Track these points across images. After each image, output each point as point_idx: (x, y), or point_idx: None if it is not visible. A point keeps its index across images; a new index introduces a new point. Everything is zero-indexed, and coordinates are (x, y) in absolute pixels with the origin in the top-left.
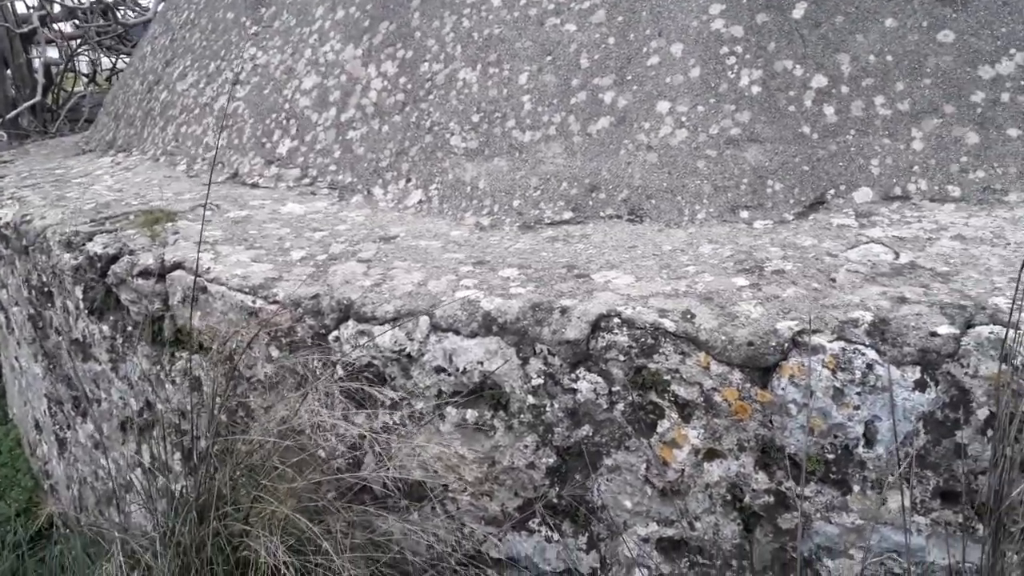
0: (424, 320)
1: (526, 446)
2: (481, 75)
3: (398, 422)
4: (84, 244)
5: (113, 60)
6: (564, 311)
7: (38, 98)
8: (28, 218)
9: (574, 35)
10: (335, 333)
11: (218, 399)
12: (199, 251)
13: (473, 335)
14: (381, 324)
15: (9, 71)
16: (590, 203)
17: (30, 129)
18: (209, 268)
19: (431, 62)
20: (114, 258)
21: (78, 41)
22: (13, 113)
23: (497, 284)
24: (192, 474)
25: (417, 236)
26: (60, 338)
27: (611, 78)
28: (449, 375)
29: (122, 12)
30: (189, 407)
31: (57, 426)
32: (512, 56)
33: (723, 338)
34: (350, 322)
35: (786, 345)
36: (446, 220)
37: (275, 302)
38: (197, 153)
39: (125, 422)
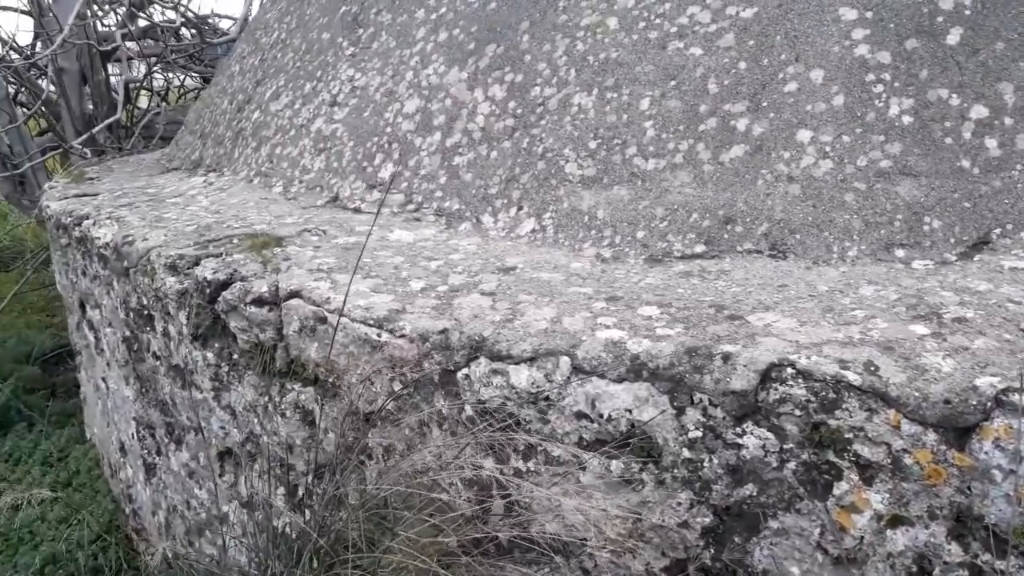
0: (565, 361)
1: (679, 503)
2: (598, 100)
3: (532, 469)
4: (190, 268)
5: (182, 78)
6: (727, 358)
7: (118, 115)
8: (130, 239)
9: (700, 59)
10: (464, 371)
11: (332, 434)
12: (315, 279)
13: (620, 380)
14: (516, 363)
15: (87, 87)
16: (725, 236)
17: (106, 145)
18: (329, 298)
19: (542, 86)
20: (224, 284)
21: (154, 59)
22: (96, 129)
23: (640, 324)
24: (297, 510)
25: (536, 267)
26: (158, 363)
27: (744, 104)
28: (592, 422)
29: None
30: (299, 441)
31: (145, 451)
32: (632, 80)
33: (916, 394)
34: (482, 360)
35: (988, 404)
36: (563, 251)
37: (402, 336)
38: (294, 175)
39: (224, 453)
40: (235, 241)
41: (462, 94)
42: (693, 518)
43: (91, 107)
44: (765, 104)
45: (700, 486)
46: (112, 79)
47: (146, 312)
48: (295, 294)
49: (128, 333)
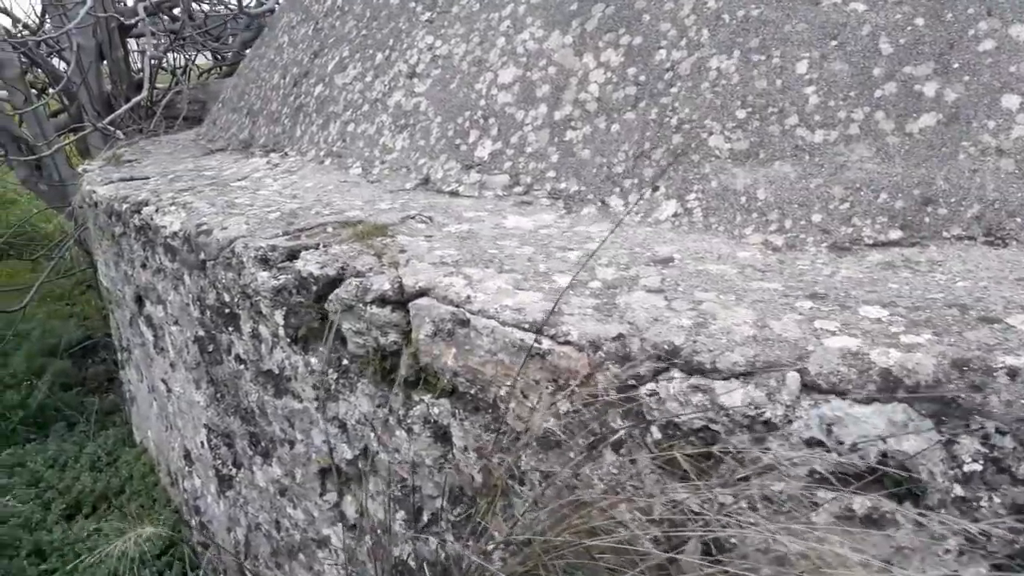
0: (793, 377)
1: (947, 551)
2: (741, 64)
3: (742, 505)
4: (285, 261)
5: (194, 55)
6: (1015, 374)
7: (144, 94)
8: (205, 228)
9: (865, 15)
10: (651, 386)
11: (473, 454)
12: (442, 274)
13: (868, 401)
14: (726, 379)
15: (105, 64)
16: (926, 220)
17: (131, 126)
18: (469, 297)
19: (668, 49)
20: (335, 281)
21: (173, 36)
22: (124, 108)
23: (872, 329)
24: (418, 540)
25: (697, 258)
26: (241, 367)
27: (928, 67)
28: (828, 451)
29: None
30: (428, 461)
31: (219, 461)
32: (782, 41)
33: None
34: (675, 373)
35: None
36: (720, 238)
37: (567, 342)
38: (373, 155)
39: (327, 470)
40: (330, 230)
41: (568, 61)
42: (964, 568)
43: (109, 86)
44: (956, 66)
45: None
46: (133, 56)
47: (228, 310)
48: (425, 292)
49: (202, 333)
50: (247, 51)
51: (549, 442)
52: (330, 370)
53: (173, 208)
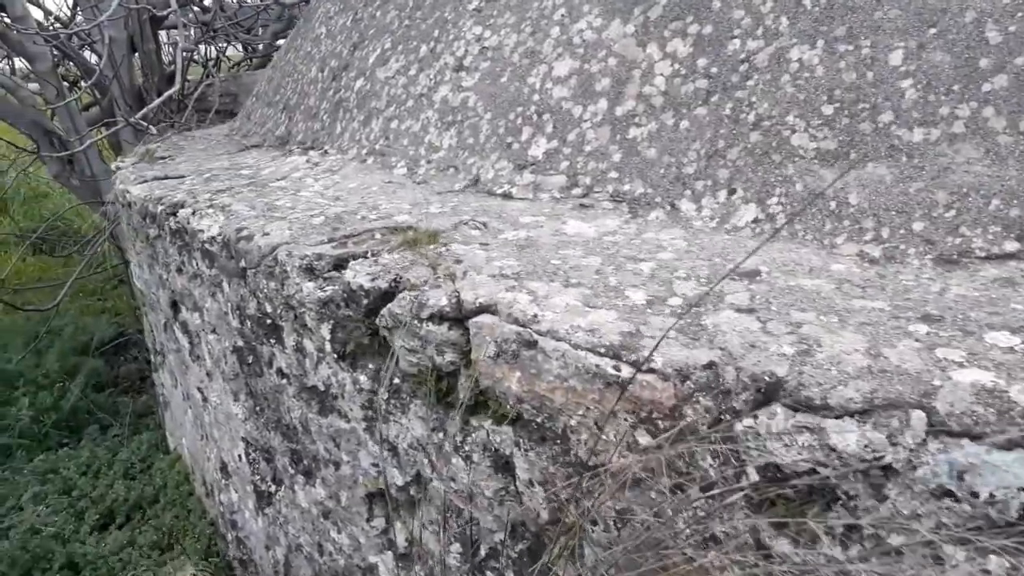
0: (918, 417)
1: None
2: (826, 54)
3: (855, 556)
4: (332, 271)
5: (222, 47)
6: None
7: (177, 86)
8: (245, 233)
9: (967, 1)
10: (749, 422)
11: (539, 487)
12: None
13: (1009, 446)
14: (838, 417)
15: (137, 56)
16: None
17: (164, 120)
18: (536, 315)
19: (743, 39)
20: (387, 294)
21: (204, 27)
22: (157, 102)
23: (1005, 360)
24: (478, 573)
25: (786, 271)
26: (284, 381)
27: None
28: (958, 501)
29: None
30: (488, 492)
31: (258, 477)
32: (872, 29)
33: None
34: (777, 408)
35: None
36: (809, 248)
37: (651, 371)
38: (418, 154)
39: (375, 494)
40: (378, 236)
41: (630, 52)
42: None
43: (141, 79)
44: None
45: None
46: (165, 48)
47: (270, 321)
48: (486, 308)
49: (241, 343)
50: (278, 42)
51: (627, 479)
52: (380, 389)
53: (211, 211)
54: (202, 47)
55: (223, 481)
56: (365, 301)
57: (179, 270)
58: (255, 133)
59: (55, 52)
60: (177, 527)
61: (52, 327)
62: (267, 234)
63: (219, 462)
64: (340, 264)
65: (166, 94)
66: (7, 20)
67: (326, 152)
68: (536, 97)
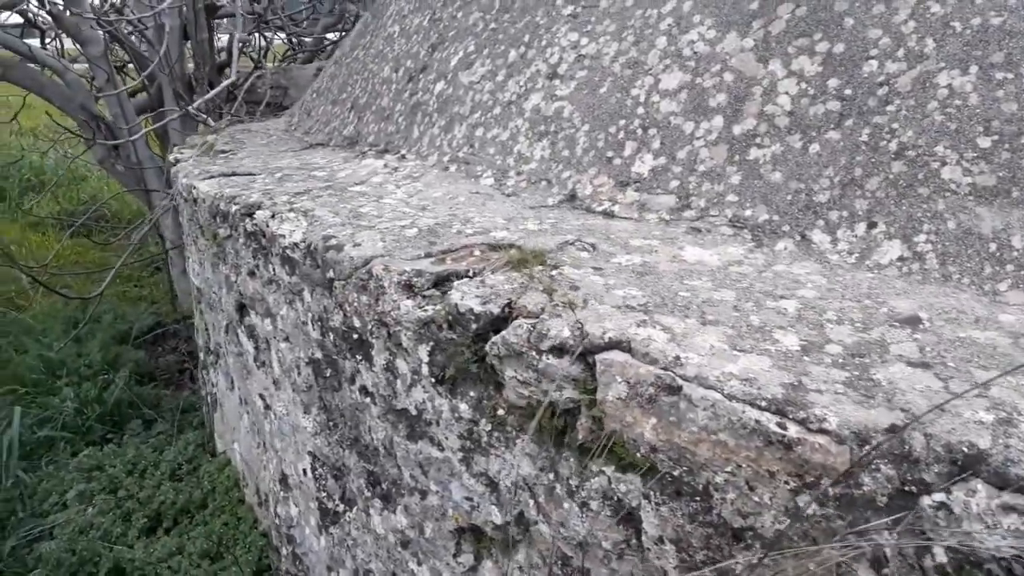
0: None
1: None
2: (981, 81)
3: None
4: (432, 290)
5: (271, 38)
6: None
7: (233, 77)
8: (335, 242)
9: None
10: (939, 497)
11: (670, 546)
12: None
13: None
14: None
15: (189, 45)
16: None
17: (213, 111)
18: (678, 357)
19: (881, 59)
20: (499, 320)
21: (257, 18)
22: (215, 91)
23: None
24: None
25: (950, 319)
26: (367, 400)
27: None
28: None
29: None
30: (606, 544)
31: (324, 494)
32: None
33: None
34: (978, 484)
35: None
36: (967, 293)
37: (821, 431)
38: (507, 164)
39: (464, 529)
40: (477, 253)
41: (749, 67)
42: None
43: (192, 68)
44: None
45: None
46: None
47: (357, 337)
48: (616, 344)
49: (320, 356)
50: (328, 35)
51: (782, 546)
52: (483, 420)
53: (292, 215)
54: (252, 38)
55: (282, 493)
56: (474, 326)
57: (251, 273)
58: (318, 131)
59: (106, 37)
60: (227, 536)
61: (90, 314)
62: (358, 244)
63: (279, 473)
64: (440, 282)
65: (223, 84)
66: (61, 3)
67: (403, 157)
68: (640, 110)
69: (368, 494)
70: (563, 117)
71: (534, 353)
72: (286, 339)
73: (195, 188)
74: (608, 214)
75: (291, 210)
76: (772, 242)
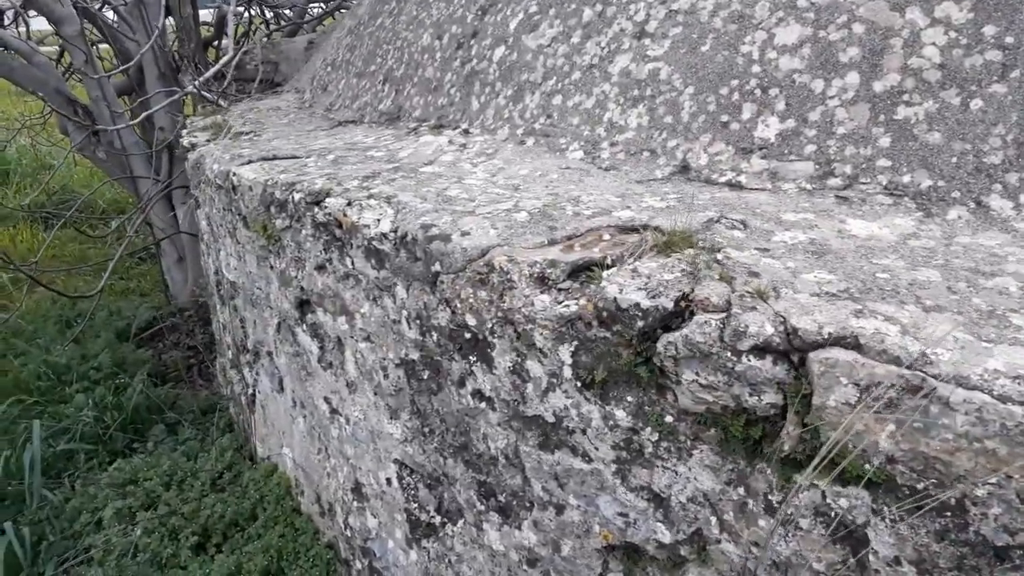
0: None
1: None
2: None
3: None
4: (567, 280)
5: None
6: None
7: (231, 55)
8: (438, 231)
9: None
10: None
11: (910, 568)
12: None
13: None
14: None
15: (171, 21)
16: None
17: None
18: (925, 354)
19: None
20: (671, 316)
21: None
22: (217, 67)
23: None
24: None
25: None
26: (483, 405)
27: None
28: None
29: None
30: (820, 566)
31: (415, 504)
32: None
33: None
34: None
35: None
36: None
37: None
38: (596, 135)
39: (614, 548)
40: (607, 238)
41: (883, 17)
42: None
43: (176, 46)
44: None
45: None
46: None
47: (470, 336)
48: (837, 341)
49: (416, 357)
50: (311, 7)
51: None
52: (647, 428)
53: (373, 202)
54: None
55: (355, 503)
56: (640, 323)
57: (320, 268)
58: (344, 107)
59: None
60: (286, 549)
61: (81, 311)
62: (467, 233)
63: (351, 482)
64: (575, 272)
65: (223, 60)
66: None
67: (467, 132)
68: (756, 68)
69: (480, 507)
70: (660, 80)
71: (728, 354)
72: (367, 339)
73: (234, 175)
74: (734, 185)
75: (370, 196)
76: (942, 211)
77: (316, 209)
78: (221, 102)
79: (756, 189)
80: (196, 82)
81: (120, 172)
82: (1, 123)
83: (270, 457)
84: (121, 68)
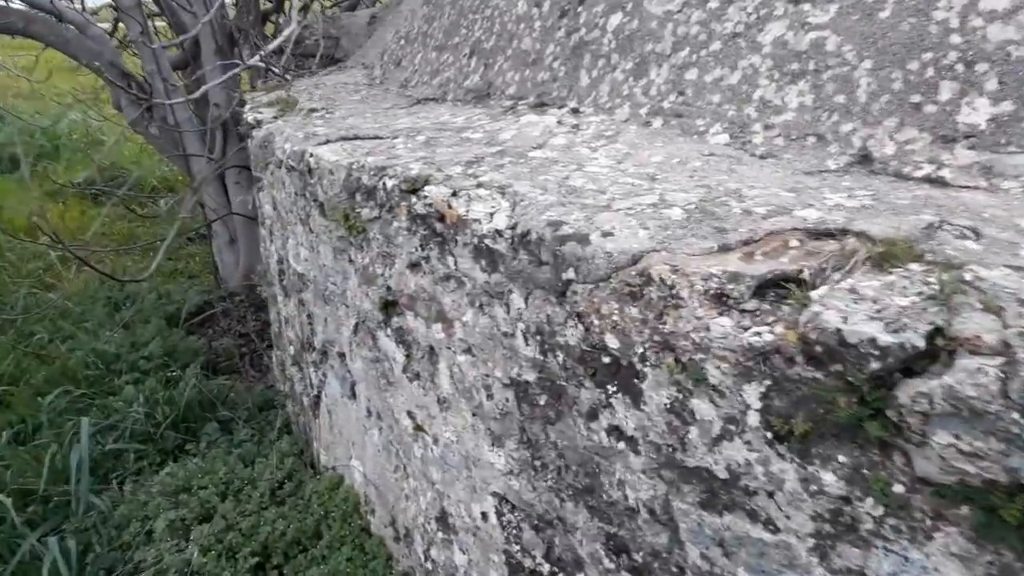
0: None
1: None
2: None
3: None
4: (754, 300)
5: None
6: None
7: (294, 26)
8: (571, 231)
9: None
10: None
11: None
12: None
13: None
14: None
15: None
16: None
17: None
18: None
19: None
20: (916, 356)
21: None
22: (278, 40)
23: None
24: None
25: None
26: (621, 445)
27: None
28: None
29: None
30: None
31: (517, 547)
32: None
33: None
34: None
35: None
36: None
37: None
38: (745, 116)
39: None
40: (795, 244)
41: None
42: None
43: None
44: None
45: None
46: None
47: (610, 360)
48: None
49: (531, 378)
50: None
51: None
52: (867, 499)
53: (483, 192)
54: None
55: (439, 534)
56: (875, 364)
57: (414, 266)
58: (423, 83)
59: None
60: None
61: (130, 292)
62: (609, 234)
63: (436, 510)
64: (763, 289)
65: (286, 33)
66: None
67: (577, 111)
68: (955, 39)
69: (609, 564)
70: (826, 51)
71: (1016, 416)
72: (467, 351)
73: (311, 156)
74: (936, 181)
75: (479, 185)
76: None
77: (413, 198)
78: (287, 76)
79: (968, 187)
80: (261, 54)
81: (173, 149)
82: (54, 98)
83: (335, 467)
84: (178, 41)
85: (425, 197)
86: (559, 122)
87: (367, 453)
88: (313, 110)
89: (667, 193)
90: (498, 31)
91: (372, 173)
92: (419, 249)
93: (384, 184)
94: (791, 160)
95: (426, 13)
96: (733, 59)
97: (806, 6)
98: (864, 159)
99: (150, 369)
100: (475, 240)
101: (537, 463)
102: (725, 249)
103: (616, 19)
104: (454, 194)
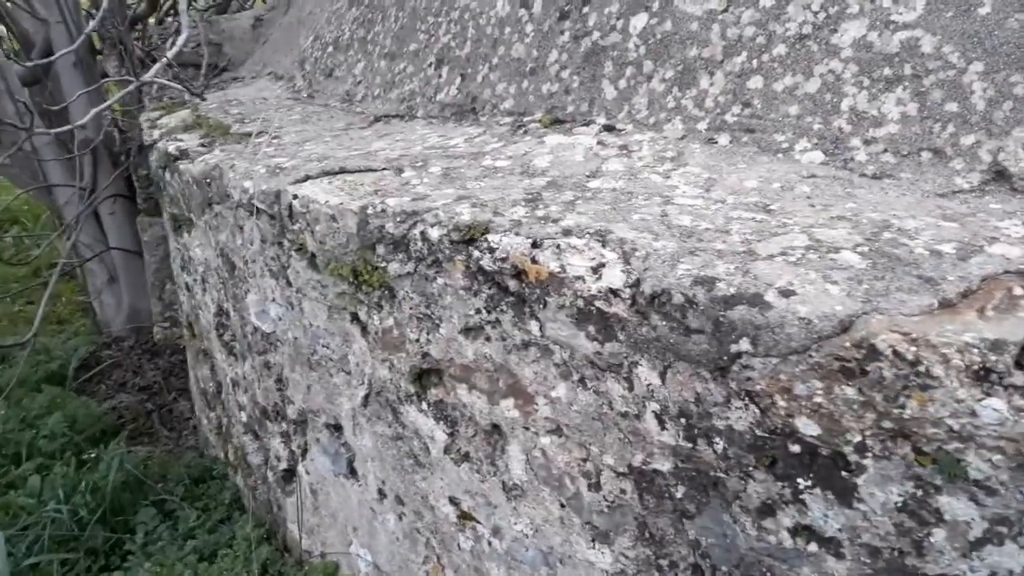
0: None
1: None
2: None
3: None
4: (1018, 378)
5: None
6: None
7: (185, 34)
8: (735, 291)
9: None
10: None
11: None
12: None
13: None
14: None
15: None
16: None
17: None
18: None
19: None
20: None
21: None
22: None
23: None
24: None
25: None
26: (803, 544)
27: None
28: None
29: None
30: None
31: None
32: None
33: None
34: None
35: None
36: None
37: None
38: (836, 128)
39: None
40: (1018, 291)
41: None
42: None
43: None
44: None
45: None
46: None
47: (803, 449)
48: None
49: (667, 466)
50: None
51: None
52: None
53: (579, 243)
54: None
55: None
56: None
57: (470, 331)
58: (373, 97)
59: None
60: None
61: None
62: (790, 292)
63: None
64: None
65: (178, 45)
66: None
67: (613, 128)
68: None
69: None
70: (923, 53)
71: None
72: (555, 432)
73: (296, 197)
74: None
75: (564, 232)
76: None
77: (472, 250)
78: (186, 95)
79: None
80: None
81: (31, 181)
82: None
83: (323, 554)
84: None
85: (493, 250)
86: (600, 143)
87: (378, 541)
88: (248, 134)
89: (812, 231)
90: (474, 36)
91: (399, 220)
92: (482, 312)
93: (423, 233)
94: (913, 180)
95: (357, 15)
96: (806, 64)
97: (886, 2)
98: (999, 175)
99: (54, 451)
100: (583, 302)
101: (663, 563)
102: (946, 305)
103: (641, 21)
104: (535, 244)
